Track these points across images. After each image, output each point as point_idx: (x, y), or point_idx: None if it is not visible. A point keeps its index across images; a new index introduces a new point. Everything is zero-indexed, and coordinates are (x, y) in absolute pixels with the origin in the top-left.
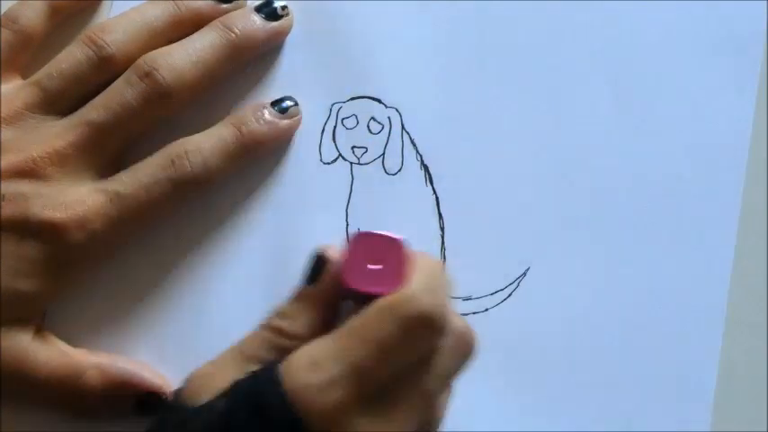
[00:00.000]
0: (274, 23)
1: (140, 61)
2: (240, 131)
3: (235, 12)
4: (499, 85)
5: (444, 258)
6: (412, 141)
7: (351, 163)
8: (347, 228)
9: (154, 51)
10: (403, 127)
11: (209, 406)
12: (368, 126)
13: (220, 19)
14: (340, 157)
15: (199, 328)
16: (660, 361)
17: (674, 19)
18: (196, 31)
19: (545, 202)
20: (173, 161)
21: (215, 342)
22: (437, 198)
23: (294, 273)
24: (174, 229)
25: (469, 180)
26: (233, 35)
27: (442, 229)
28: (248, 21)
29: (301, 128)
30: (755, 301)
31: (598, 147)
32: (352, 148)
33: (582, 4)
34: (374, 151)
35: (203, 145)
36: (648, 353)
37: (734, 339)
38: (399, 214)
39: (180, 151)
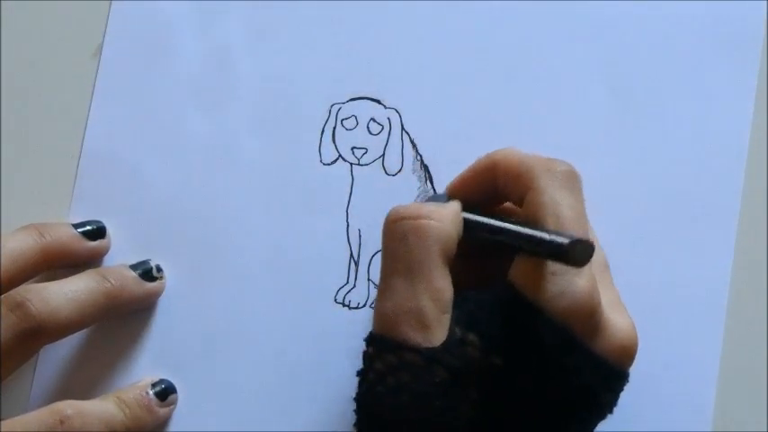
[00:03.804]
0: (148, 284)
1: (13, 292)
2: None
3: (112, 266)
4: (499, 85)
5: None
6: (412, 142)
7: (351, 164)
8: (347, 228)
9: (28, 284)
10: (403, 127)
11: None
12: (367, 127)
13: (96, 269)
14: (340, 158)
15: (199, 328)
16: (660, 361)
17: (673, 19)
18: (64, 264)
19: None
20: (60, 421)
21: (215, 342)
22: None
23: (294, 273)
24: (176, 230)
25: None
26: (109, 284)
27: None
28: (124, 276)
29: (301, 129)
30: (755, 300)
31: (597, 147)
32: (352, 148)
33: (581, 4)
34: (374, 152)
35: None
36: (649, 353)
37: (734, 339)
38: None
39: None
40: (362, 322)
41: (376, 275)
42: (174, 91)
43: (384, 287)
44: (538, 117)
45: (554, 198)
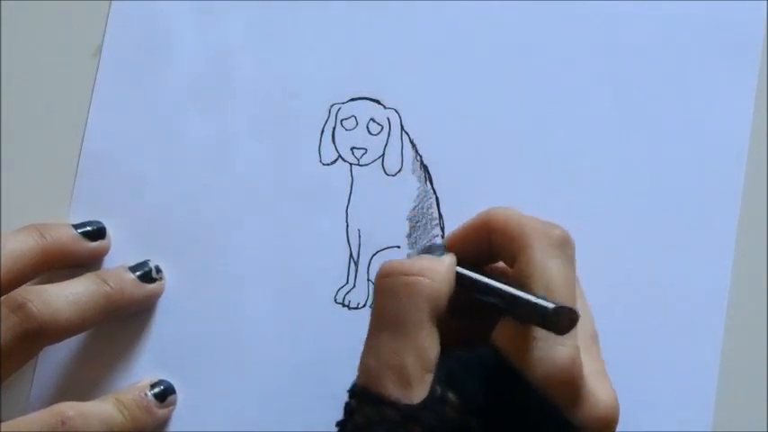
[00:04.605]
0: (148, 286)
1: (14, 293)
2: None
3: (111, 269)
4: (499, 85)
5: None
6: (411, 142)
7: (350, 164)
8: (347, 229)
9: (28, 286)
10: (402, 128)
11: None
12: (367, 127)
13: (96, 273)
14: (339, 158)
15: (199, 329)
16: (660, 361)
17: (673, 19)
18: (64, 264)
19: (544, 201)
20: (62, 422)
21: (215, 342)
22: (437, 198)
23: (294, 274)
24: (176, 231)
25: (469, 180)
26: (108, 287)
27: (443, 228)
28: (123, 279)
29: (301, 129)
30: (755, 301)
31: (598, 146)
32: (352, 149)
33: (581, 4)
34: (374, 152)
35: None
36: (649, 353)
37: (734, 339)
38: (399, 215)
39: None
40: (362, 322)
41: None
42: (174, 91)
43: (370, 341)
44: (538, 117)
45: (544, 264)
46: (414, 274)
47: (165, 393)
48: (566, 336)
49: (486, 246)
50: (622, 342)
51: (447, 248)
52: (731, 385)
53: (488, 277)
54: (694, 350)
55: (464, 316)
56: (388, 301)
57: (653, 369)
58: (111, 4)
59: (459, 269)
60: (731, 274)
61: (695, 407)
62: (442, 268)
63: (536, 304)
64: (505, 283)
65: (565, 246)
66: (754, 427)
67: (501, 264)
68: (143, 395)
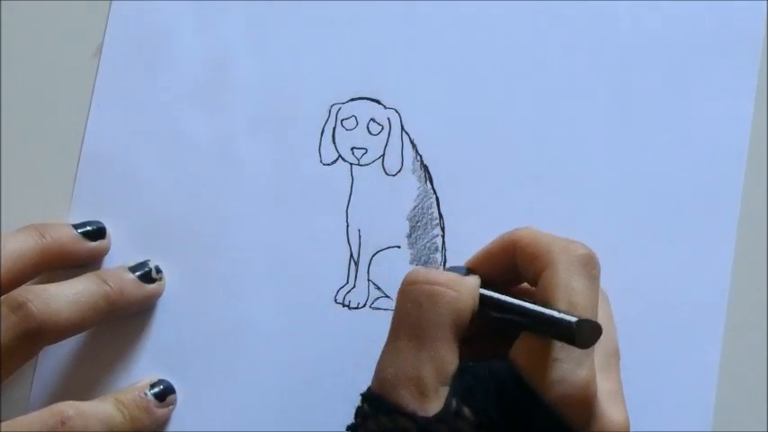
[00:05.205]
0: (148, 287)
1: (14, 293)
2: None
3: (111, 269)
4: (499, 85)
5: (445, 259)
6: (412, 142)
7: (350, 164)
8: (347, 229)
9: (28, 286)
10: (402, 128)
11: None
12: (367, 127)
13: (95, 272)
14: (340, 158)
15: (199, 328)
16: (660, 361)
17: (673, 19)
18: (64, 264)
19: (544, 201)
20: (62, 422)
21: (215, 342)
22: (437, 198)
23: (294, 274)
24: (176, 231)
25: (469, 180)
26: (108, 287)
27: (443, 228)
28: (123, 280)
29: (301, 129)
30: (755, 301)
31: (597, 146)
32: (352, 149)
33: (581, 4)
34: (374, 152)
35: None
36: (649, 353)
37: (734, 339)
38: (399, 215)
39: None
40: (362, 322)
41: (376, 276)
42: (174, 91)
43: (389, 348)
44: (538, 117)
45: (568, 282)
46: (439, 285)
47: (165, 393)
48: (584, 356)
49: (509, 267)
50: (622, 342)
51: (469, 270)
52: (731, 385)
53: (511, 296)
54: (694, 350)
55: (481, 341)
56: (411, 308)
57: (653, 369)
58: (111, 4)
59: (483, 290)
60: (731, 274)
61: (695, 407)
62: (467, 284)
63: (560, 318)
64: (528, 302)
65: (589, 265)
66: (754, 427)
67: (523, 285)
68: (143, 395)
